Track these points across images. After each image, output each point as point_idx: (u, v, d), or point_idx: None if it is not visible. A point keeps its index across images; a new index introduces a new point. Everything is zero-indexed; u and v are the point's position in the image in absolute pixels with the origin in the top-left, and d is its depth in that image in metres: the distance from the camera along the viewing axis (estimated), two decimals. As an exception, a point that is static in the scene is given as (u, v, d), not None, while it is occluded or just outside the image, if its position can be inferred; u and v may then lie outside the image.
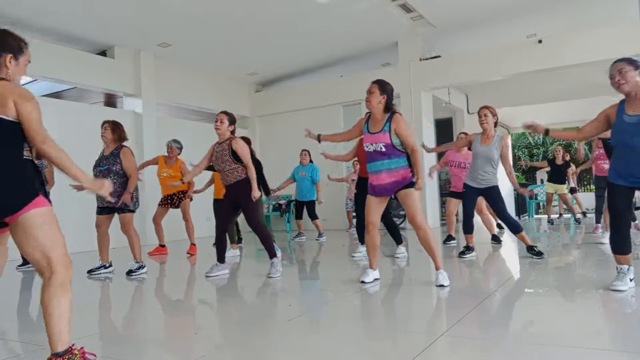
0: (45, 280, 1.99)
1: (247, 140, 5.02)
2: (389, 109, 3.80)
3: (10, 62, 2.08)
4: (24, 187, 1.99)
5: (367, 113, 3.94)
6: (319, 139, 4.31)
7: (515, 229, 5.02)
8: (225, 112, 4.68)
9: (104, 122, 5.13)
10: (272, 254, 4.57)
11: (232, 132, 4.68)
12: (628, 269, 3.28)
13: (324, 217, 9.38)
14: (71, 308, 2.03)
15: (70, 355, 1.98)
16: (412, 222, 3.76)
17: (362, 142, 5.53)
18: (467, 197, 5.21)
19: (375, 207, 3.88)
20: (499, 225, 7.54)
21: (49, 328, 1.97)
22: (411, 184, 3.73)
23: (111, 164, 4.95)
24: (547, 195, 9.67)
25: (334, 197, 10.37)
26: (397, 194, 3.80)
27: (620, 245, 3.26)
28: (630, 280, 3.27)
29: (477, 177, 5.09)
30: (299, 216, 8.53)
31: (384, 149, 3.71)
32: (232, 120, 4.67)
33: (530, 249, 4.98)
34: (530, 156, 21.73)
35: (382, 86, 3.81)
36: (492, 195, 5.07)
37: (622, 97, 3.25)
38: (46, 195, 2.08)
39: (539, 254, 4.90)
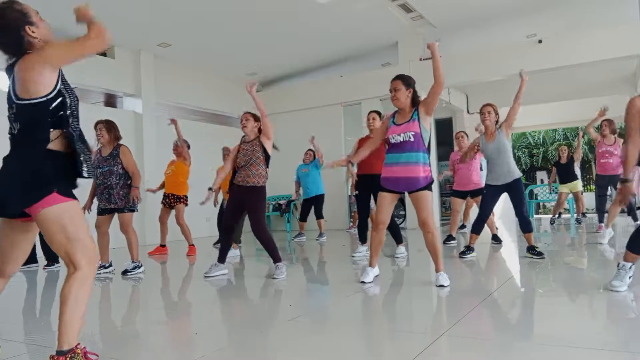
0: (69, 274, 2.01)
1: None
2: (416, 102, 3.79)
3: (33, 31, 2.06)
4: (35, 185, 1.97)
5: (394, 111, 3.91)
6: (351, 161, 4.21)
7: (527, 227, 5.00)
8: (249, 112, 4.71)
9: (98, 123, 5.08)
10: (277, 259, 4.51)
11: (259, 130, 4.67)
12: (630, 267, 3.24)
13: (324, 218, 9.37)
14: (86, 304, 2.02)
15: (73, 355, 1.96)
16: (424, 225, 3.73)
17: (363, 142, 5.57)
18: (489, 197, 5.13)
19: (388, 206, 3.87)
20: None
21: (61, 320, 1.97)
22: (430, 185, 3.74)
23: (112, 165, 4.95)
24: (560, 195, 9.41)
25: (334, 197, 10.37)
26: (411, 195, 3.78)
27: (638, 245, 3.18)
28: (629, 278, 3.24)
29: (498, 175, 5.00)
30: (303, 218, 8.39)
31: (412, 139, 3.69)
32: (257, 118, 4.70)
33: (531, 249, 4.97)
34: (530, 156, 21.68)
35: (406, 80, 3.80)
36: (515, 188, 4.99)
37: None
38: (66, 190, 2.03)
39: (539, 254, 4.89)
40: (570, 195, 9.67)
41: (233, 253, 6.30)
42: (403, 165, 3.73)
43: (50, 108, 2.03)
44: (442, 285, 3.64)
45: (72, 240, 1.98)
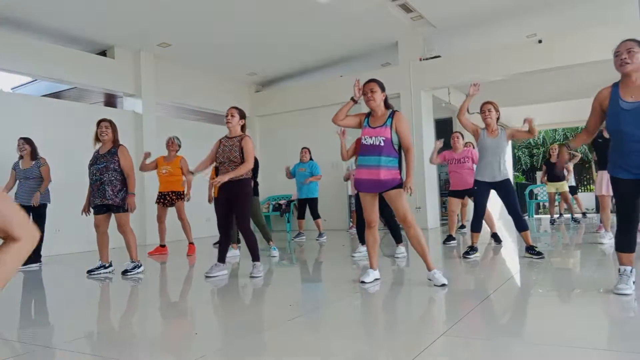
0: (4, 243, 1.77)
1: None
2: (388, 106, 3.87)
3: None
4: None
5: (368, 112, 3.95)
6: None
7: (522, 226, 5.00)
8: (235, 107, 4.72)
9: (103, 121, 5.13)
10: (256, 258, 4.63)
11: (243, 128, 4.71)
12: (631, 271, 3.16)
13: (324, 217, 9.36)
14: (12, 273, 1.70)
15: None
16: (404, 221, 3.79)
17: (359, 140, 5.57)
18: (479, 193, 5.11)
19: (371, 204, 3.92)
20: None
21: None
22: (400, 185, 3.76)
23: (109, 162, 4.98)
24: (549, 195, 9.58)
25: (334, 197, 10.37)
26: (385, 195, 3.81)
27: (626, 243, 3.13)
28: (633, 282, 3.17)
29: (488, 171, 5.01)
30: (300, 216, 8.47)
31: (382, 144, 3.73)
32: (243, 115, 4.72)
33: (530, 248, 4.97)
34: (531, 156, 21.70)
35: (381, 84, 3.90)
36: (504, 188, 5.00)
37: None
38: None
39: (539, 254, 4.89)
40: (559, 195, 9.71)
41: (233, 253, 6.29)
42: (370, 168, 3.78)
43: None
44: (443, 285, 3.64)
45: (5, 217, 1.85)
